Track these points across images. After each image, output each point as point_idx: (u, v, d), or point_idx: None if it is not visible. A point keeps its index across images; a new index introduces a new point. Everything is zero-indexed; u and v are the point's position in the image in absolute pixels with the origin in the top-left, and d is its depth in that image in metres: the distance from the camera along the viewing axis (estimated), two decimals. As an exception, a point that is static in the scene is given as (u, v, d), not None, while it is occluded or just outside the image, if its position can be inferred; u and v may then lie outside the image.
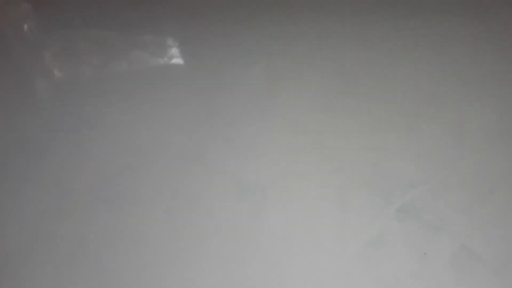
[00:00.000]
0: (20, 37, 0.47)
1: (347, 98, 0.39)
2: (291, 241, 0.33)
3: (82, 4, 0.45)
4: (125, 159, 0.37)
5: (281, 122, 0.39)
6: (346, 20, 0.45)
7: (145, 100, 0.41)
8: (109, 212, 0.34)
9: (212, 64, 0.43)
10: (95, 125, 0.38)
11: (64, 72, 0.35)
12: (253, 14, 0.45)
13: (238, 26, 0.45)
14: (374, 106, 0.39)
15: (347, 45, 0.43)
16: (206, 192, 0.36)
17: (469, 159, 0.36)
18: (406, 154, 0.37)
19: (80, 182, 0.35)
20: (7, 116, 0.34)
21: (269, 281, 0.32)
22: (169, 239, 0.33)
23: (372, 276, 0.32)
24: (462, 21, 0.45)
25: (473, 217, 0.34)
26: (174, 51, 0.41)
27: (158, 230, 0.34)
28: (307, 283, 0.32)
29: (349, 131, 0.38)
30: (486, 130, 0.38)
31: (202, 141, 0.38)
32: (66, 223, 0.34)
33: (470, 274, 0.31)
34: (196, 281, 0.32)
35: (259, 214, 0.34)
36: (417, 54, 0.42)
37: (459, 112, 0.39)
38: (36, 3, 0.49)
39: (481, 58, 0.42)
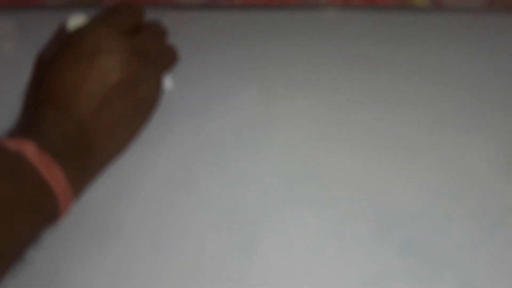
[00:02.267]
0: (2, 57, 0.46)
1: (345, 126, 0.39)
2: (286, 276, 0.32)
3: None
4: (108, 187, 0.36)
5: (275, 151, 0.38)
6: (343, 46, 0.45)
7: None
8: (89, 245, 0.33)
9: (203, 88, 0.42)
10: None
11: None
12: (246, 38, 0.45)
13: (231, 50, 0.44)
14: (373, 134, 0.38)
15: (344, 72, 0.43)
16: (196, 224, 0.35)
17: (472, 192, 0.36)
18: (407, 185, 0.36)
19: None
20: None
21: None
22: (155, 275, 0.32)
23: (371, 314, 0.31)
24: (462, 49, 0.45)
25: (477, 253, 0.33)
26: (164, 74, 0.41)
27: (143, 266, 0.33)
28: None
29: (347, 160, 0.37)
30: (490, 162, 0.37)
31: (191, 169, 0.37)
32: (43, 254, 0.33)
33: (474, 313, 0.31)
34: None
35: (252, 248, 0.33)
36: (417, 83, 0.42)
37: (461, 143, 0.38)
38: (20, 21, 0.49)
39: (482, 88, 0.42)
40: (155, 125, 0.39)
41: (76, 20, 0.35)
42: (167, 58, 0.38)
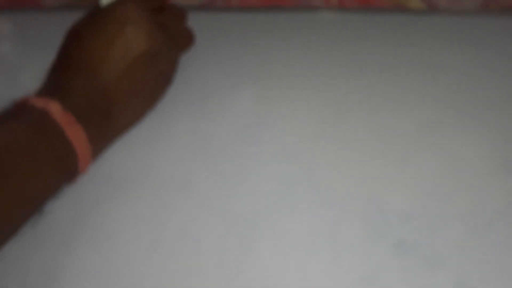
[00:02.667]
0: (1, 57, 0.46)
1: (340, 127, 0.39)
2: (281, 276, 0.32)
3: (66, 24, 0.44)
4: (105, 187, 0.36)
5: (271, 151, 0.38)
6: (339, 48, 0.45)
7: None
8: (87, 245, 0.33)
9: (200, 89, 0.42)
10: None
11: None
12: (243, 39, 0.45)
13: (228, 51, 0.45)
14: (368, 136, 0.38)
15: (340, 73, 0.43)
16: (192, 224, 0.34)
17: (466, 192, 0.36)
18: (401, 186, 0.36)
19: (55, 211, 0.34)
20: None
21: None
22: (152, 274, 0.32)
23: (366, 314, 0.31)
24: (457, 50, 0.45)
25: (471, 253, 0.33)
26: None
27: (140, 265, 0.33)
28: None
29: (342, 161, 0.37)
30: (484, 163, 0.37)
31: (188, 170, 0.37)
32: (40, 256, 0.32)
33: (468, 312, 0.31)
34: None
35: (248, 247, 0.33)
36: (412, 83, 0.42)
37: (455, 143, 0.38)
38: (17, 23, 0.49)
39: (477, 88, 0.42)
40: (152, 125, 0.39)
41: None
42: (185, 39, 0.42)
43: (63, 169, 0.32)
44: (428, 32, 0.47)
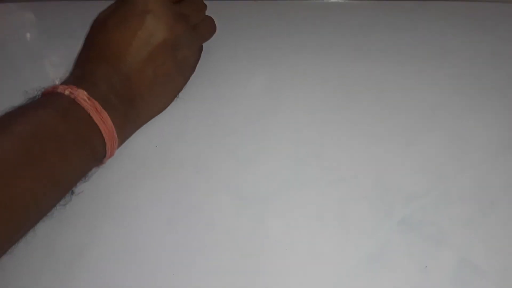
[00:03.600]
0: (22, 46, 0.47)
1: (348, 110, 0.39)
2: (291, 252, 0.33)
3: (85, 14, 0.45)
4: (125, 168, 0.37)
5: (282, 134, 0.39)
6: (347, 32, 0.45)
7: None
8: (109, 221, 0.34)
9: (214, 75, 0.43)
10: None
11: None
12: (254, 25, 0.45)
13: (239, 37, 0.45)
14: (375, 118, 0.39)
15: (348, 57, 0.43)
16: (206, 203, 0.35)
17: (470, 172, 0.36)
18: (407, 166, 0.37)
19: (79, 190, 0.35)
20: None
21: (269, 293, 0.32)
22: (169, 250, 0.33)
23: (372, 288, 0.31)
24: (462, 33, 0.45)
25: (474, 230, 0.34)
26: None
27: (157, 241, 0.34)
28: (307, 296, 0.32)
29: (350, 143, 0.38)
30: (487, 143, 0.38)
31: (202, 151, 0.38)
32: (65, 232, 0.34)
33: (471, 288, 0.31)
34: (195, 293, 0.32)
35: (259, 225, 0.34)
36: (418, 67, 0.42)
37: (459, 125, 0.39)
38: (39, 13, 0.50)
39: (481, 71, 0.42)
40: (169, 111, 0.40)
41: None
42: (205, 28, 0.42)
43: (91, 153, 0.34)
44: (433, 17, 0.48)
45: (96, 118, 0.33)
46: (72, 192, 0.34)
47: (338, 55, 0.44)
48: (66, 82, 0.35)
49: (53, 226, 0.34)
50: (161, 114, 0.40)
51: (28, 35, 0.48)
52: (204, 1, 0.42)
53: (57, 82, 0.36)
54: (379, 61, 0.44)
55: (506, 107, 0.40)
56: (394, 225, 0.34)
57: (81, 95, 0.33)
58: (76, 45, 0.40)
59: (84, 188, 0.36)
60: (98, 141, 0.33)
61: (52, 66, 0.45)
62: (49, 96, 0.33)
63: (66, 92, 0.33)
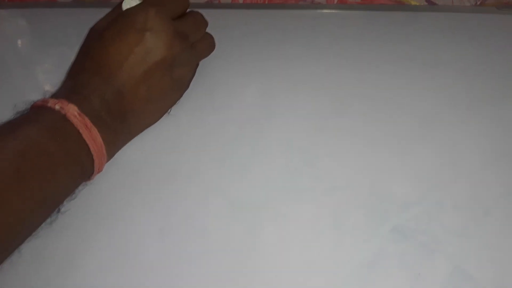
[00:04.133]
0: (14, 53, 0.47)
1: (341, 118, 0.39)
2: (285, 261, 0.33)
3: (78, 21, 0.45)
4: (117, 177, 0.36)
5: (275, 142, 0.39)
6: (341, 42, 0.46)
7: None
8: (101, 231, 0.34)
9: (208, 83, 0.43)
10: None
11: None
12: (247, 33, 0.46)
13: (232, 46, 0.45)
14: (368, 127, 0.39)
15: (342, 67, 0.44)
16: (199, 212, 0.35)
17: (463, 181, 0.36)
18: (400, 175, 0.37)
19: (66, 208, 0.35)
20: None
21: (263, 302, 0.31)
22: (162, 259, 0.33)
23: (366, 297, 0.31)
24: (455, 44, 0.46)
25: (468, 239, 0.34)
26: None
27: (150, 249, 0.33)
28: (301, 304, 0.31)
29: (344, 151, 0.38)
30: (480, 152, 0.38)
31: (195, 159, 0.38)
32: (56, 240, 0.33)
33: (464, 297, 0.31)
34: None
35: (253, 233, 0.34)
36: (411, 76, 0.42)
37: (453, 134, 0.39)
38: (32, 20, 0.49)
39: (474, 81, 0.42)
40: (162, 118, 0.40)
41: (130, 2, 0.38)
42: (204, 46, 0.42)
43: (79, 170, 0.33)
44: (427, 28, 0.48)
45: (85, 135, 0.32)
46: (59, 211, 0.34)
47: (331, 65, 0.45)
48: (56, 95, 0.34)
49: (43, 231, 0.33)
50: (155, 123, 0.40)
51: (19, 42, 0.48)
52: (204, 18, 0.42)
53: (47, 92, 0.35)
54: (373, 71, 0.44)
55: (499, 116, 0.41)
56: (388, 233, 0.34)
57: (72, 111, 0.32)
58: (68, 53, 0.40)
59: (74, 202, 0.35)
60: (87, 158, 0.33)
61: (44, 73, 0.45)
62: (38, 110, 0.32)
63: (57, 107, 0.32)
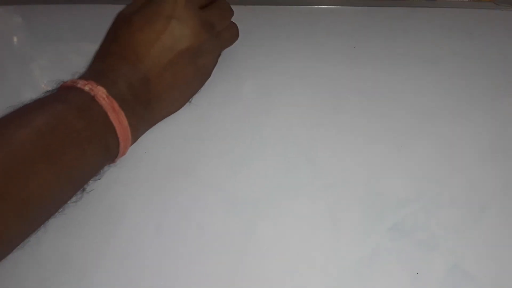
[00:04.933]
0: (10, 50, 0.47)
1: (339, 114, 0.39)
2: (282, 257, 0.33)
3: (74, 18, 0.45)
4: (113, 173, 0.36)
5: (272, 138, 0.39)
6: (338, 37, 0.45)
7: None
8: (96, 228, 0.34)
9: None
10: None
11: (53, 86, 0.35)
12: (245, 30, 0.45)
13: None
14: (366, 123, 0.39)
15: (340, 63, 0.43)
16: (196, 207, 0.35)
17: (460, 177, 0.36)
18: (397, 172, 0.37)
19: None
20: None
21: (260, 298, 0.31)
22: (158, 256, 0.33)
23: (363, 295, 0.31)
24: (453, 39, 0.45)
25: (465, 236, 0.34)
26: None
27: (146, 246, 0.33)
28: (298, 301, 0.31)
29: (341, 148, 0.38)
30: (477, 149, 0.38)
31: (192, 156, 0.38)
32: (50, 238, 0.33)
33: (463, 294, 0.31)
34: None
35: (250, 230, 0.34)
36: (409, 72, 0.42)
37: (450, 130, 0.39)
38: (27, 17, 0.49)
39: (471, 77, 0.42)
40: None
41: None
42: (228, 35, 0.42)
43: (105, 151, 0.33)
44: (424, 24, 0.48)
45: (113, 117, 0.33)
46: (84, 190, 0.34)
47: (329, 60, 0.44)
48: (85, 76, 0.35)
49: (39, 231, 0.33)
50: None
51: (15, 38, 0.48)
52: (230, 7, 0.42)
53: (75, 73, 0.36)
54: (371, 66, 0.44)
55: (497, 111, 0.41)
56: (385, 230, 0.34)
57: (100, 93, 0.33)
58: (64, 49, 0.40)
59: (95, 187, 0.35)
60: (113, 140, 0.33)
61: (40, 70, 0.45)
62: (68, 90, 0.33)
63: (86, 88, 0.33)
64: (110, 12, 0.39)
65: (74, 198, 0.34)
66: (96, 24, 0.41)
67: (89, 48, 0.40)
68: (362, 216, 0.35)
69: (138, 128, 0.36)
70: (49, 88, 0.35)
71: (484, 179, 0.36)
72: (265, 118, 0.40)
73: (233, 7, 0.43)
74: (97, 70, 0.36)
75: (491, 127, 0.40)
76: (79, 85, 0.33)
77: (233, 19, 0.43)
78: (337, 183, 0.36)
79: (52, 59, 0.44)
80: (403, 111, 0.41)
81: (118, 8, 0.39)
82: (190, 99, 0.41)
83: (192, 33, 0.36)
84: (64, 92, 0.33)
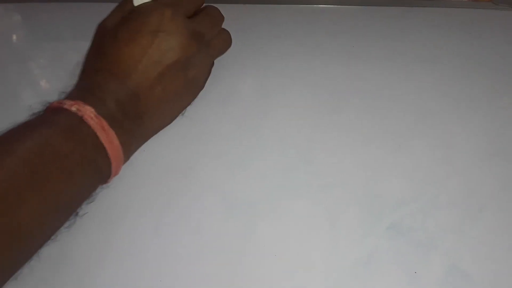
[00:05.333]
0: (9, 48, 0.46)
1: (337, 115, 0.39)
2: (280, 258, 0.33)
3: (72, 16, 0.44)
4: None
5: (271, 139, 0.38)
6: (337, 38, 0.45)
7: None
8: (96, 228, 0.34)
9: None
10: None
11: (52, 84, 0.35)
12: (243, 29, 0.45)
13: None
14: (364, 124, 0.39)
15: (338, 62, 0.43)
16: (194, 208, 0.35)
17: (458, 178, 0.36)
18: (396, 172, 0.37)
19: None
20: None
21: (258, 299, 0.31)
22: (156, 256, 0.33)
23: (361, 294, 0.31)
24: (451, 39, 0.45)
25: (463, 236, 0.34)
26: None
27: (145, 247, 0.33)
28: (296, 302, 0.31)
29: (339, 148, 0.38)
30: (475, 149, 0.38)
31: (191, 156, 0.38)
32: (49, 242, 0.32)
33: (461, 294, 0.31)
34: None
35: (248, 230, 0.34)
36: (408, 73, 0.42)
37: (448, 131, 0.39)
38: (26, 15, 0.49)
39: (470, 78, 0.42)
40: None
41: None
42: (220, 43, 0.41)
43: (96, 173, 0.32)
44: (423, 23, 0.48)
45: (103, 138, 0.32)
46: (77, 214, 0.33)
47: (327, 60, 0.44)
48: (71, 96, 0.34)
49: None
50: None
51: (14, 36, 0.48)
52: (220, 14, 0.41)
53: (62, 93, 0.35)
54: (369, 66, 0.44)
55: (494, 112, 0.40)
56: (383, 230, 0.34)
57: (88, 112, 0.31)
58: (63, 48, 0.39)
59: (88, 209, 0.35)
60: (104, 160, 0.32)
61: (39, 68, 0.44)
62: (55, 112, 0.32)
63: (73, 109, 0.31)
64: (109, 10, 0.39)
65: (67, 224, 0.32)
66: (95, 22, 0.41)
67: (87, 46, 0.40)
68: (361, 216, 0.35)
69: (130, 145, 0.35)
70: (36, 111, 0.34)
71: (482, 179, 0.36)
72: (264, 118, 0.40)
73: (231, 6, 0.42)
74: (83, 88, 0.34)
75: (490, 128, 0.39)
76: (65, 106, 0.32)
77: (231, 18, 0.42)
78: (336, 184, 0.36)
79: (51, 57, 0.44)
80: (401, 112, 0.41)
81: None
82: (183, 112, 0.40)
83: (180, 46, 0.35)
84: (51, 114, 0.32)
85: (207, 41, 0.39)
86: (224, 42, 0.42)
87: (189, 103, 0.40)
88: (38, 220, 0.29)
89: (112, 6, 0.38)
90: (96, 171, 0.32)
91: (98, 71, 0.35)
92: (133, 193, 0.36)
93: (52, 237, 0.31)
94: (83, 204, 0.33)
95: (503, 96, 0.42)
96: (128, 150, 0.35)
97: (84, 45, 0.39)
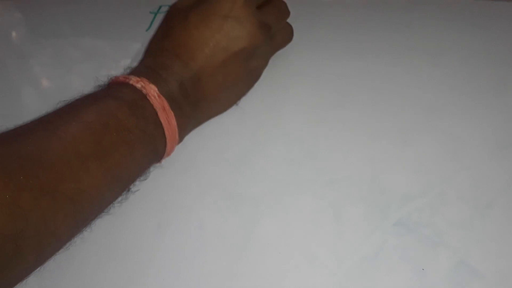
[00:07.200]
0: (9, 45, 0.46)
1: (343, 110, 0.39)
2: (285, 255, 0.33)
3: (73, 13, 0.44)
4: None
5: (275, 134, 0.38)
6: (341, 30, 0.45)
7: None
8: (97, 226, 0.33)
9: None
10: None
11: (53, 81, 0.34)
12: None
13: None
14: (370, 118, 0.38)
15: (342, 56, 0.43)
16: (197, 205, 0.35)
17: (466, 173, 0.36)
18: (402, 167, 0.36)
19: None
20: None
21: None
22: (159, 253, 0.33)
23: (368, 291, 0.31)
24: (457, 32, 0.45)
25: (471, 232, 0.33)
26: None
27: (147, 244, 0.33)
28: (302, 299, 0.31)
29: (345, 143, 0.37)
30: (483, 144, 0.37)
31: (193, 152, 0.37)
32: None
33: (469, 290, 0.31)
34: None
35: (252, 227, 0.34)
36: (414, 67, 0.42)
37: (456, 126, 0.38)
38: (26, 12, 0.49)
39: (478, 71, 0.42)
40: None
41: None
42: (283, 37, 0.41)
43: (153, 151, 0.33)
44: (428, 15, 0.47)
45: (162, 117, 0.32)
46: (129, 190, 0.34)
47: (332, 53, 0.44)
48: (137, 72, 0.34)
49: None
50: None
51: (14, 34, 0.48)
52: (287, 7, 0.41)
53: (127, 68, 0.35)
54: (374, 59, 0.43)
55: (503, 106, 0.40)
56: (390, 226, 0.34)
57: (152, 92, 0.32)
58: (63, 44, 0.39)
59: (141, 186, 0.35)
60: (160, 140, 0.33)
61: (39, 65, 0.44)
62: (120, 86, 0.32)
63: (139, 86, 0.32)
64: (110, 8, 0.39)
65: (119, 198, 0.33)
66: (96, 19, 0.41)
67: (89, 43, 0.39)
68: (367, 212, 0.34)
69: (185, 128, 0.35)
70: (100, 83, 0.34)
71: (490, 174, 0.36)
72: (267, 113, 0.40)
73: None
74: (148, 66, 0.35)
75: (498, 121, 0.39)
76: (131, 82, 0.32)
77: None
78: (341, 179, 0.36)
79: (52, 54, 0.44)
80: (407, 105, 0.40)
81: (117, 4, 0.39)
82: (237, 101, 0.40)
83: (248, 35, 0.35)
84: (116, 88, 0.32)
85: (273, 34, 0.39)
86: (287, 36, 0.42)
87: (244, 94, 0.40)
88: (98, 189, 0.29)
89: (113, 3, 0.38)
90: (153, 149, 0.33)
91: (164, 50, 0.35)
92: (136, 190, 0.35)
93: (105, 210, 0.32)
94: (136, 181, 0.33)
95: (511, 89, 0.41)
96: (183, 132, 0.35)
97: (85, 42, 0.39)
